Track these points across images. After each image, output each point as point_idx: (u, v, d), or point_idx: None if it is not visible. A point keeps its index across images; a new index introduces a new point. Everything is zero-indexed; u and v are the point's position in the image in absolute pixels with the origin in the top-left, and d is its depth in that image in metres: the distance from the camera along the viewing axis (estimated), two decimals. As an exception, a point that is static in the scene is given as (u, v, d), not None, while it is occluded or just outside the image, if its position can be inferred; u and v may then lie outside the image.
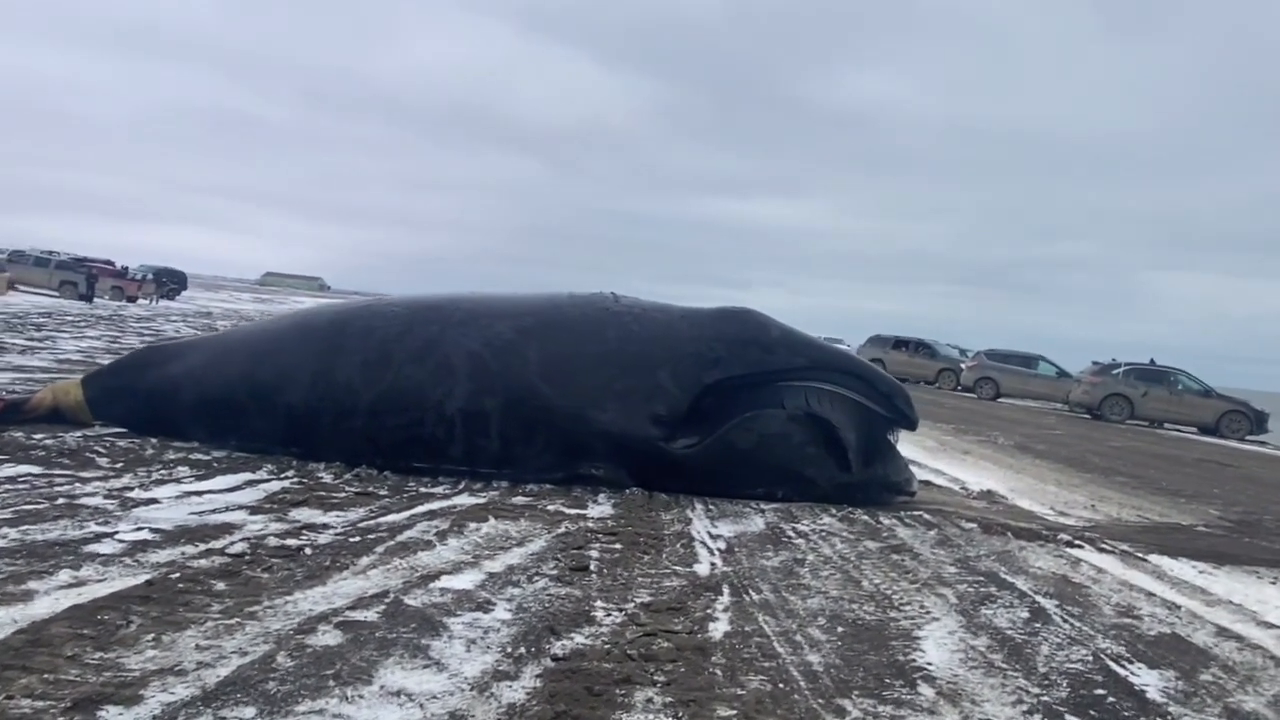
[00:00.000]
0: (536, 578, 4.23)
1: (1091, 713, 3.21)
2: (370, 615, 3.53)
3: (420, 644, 3.28)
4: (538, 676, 3.07)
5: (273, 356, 6.65)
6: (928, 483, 8.55)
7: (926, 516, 6.58)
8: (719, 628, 3.75)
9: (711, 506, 6.36)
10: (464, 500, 5.84)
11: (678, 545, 5.12)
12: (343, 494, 5.71)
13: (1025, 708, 3.19)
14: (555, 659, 3.25)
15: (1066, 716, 3.16)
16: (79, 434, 6.68)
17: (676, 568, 4.62)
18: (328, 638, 3.26)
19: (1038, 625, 4.19)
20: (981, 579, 4.95)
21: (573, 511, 5.78)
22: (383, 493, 5.89)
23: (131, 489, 5.24)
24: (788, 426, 6.65)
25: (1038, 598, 4.67)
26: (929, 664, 3.56)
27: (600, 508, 6.00)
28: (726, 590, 4.30)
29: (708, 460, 6.54)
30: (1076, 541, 6.28)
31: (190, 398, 6.74)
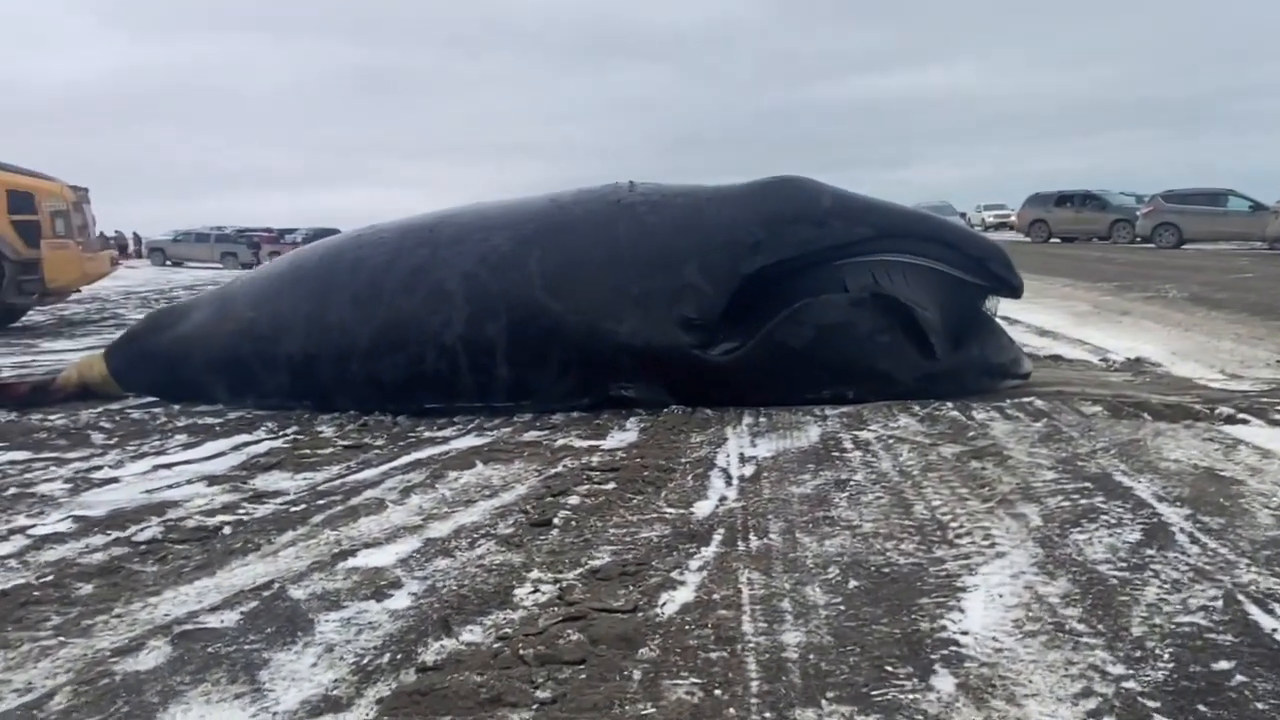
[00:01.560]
0: (481, 541, 3.42)
1: (1202, 710, 2.07)
2: (230, 618, 2.82)
3: (259, 659, 2.53)
4: (376, 704, 2.26)
5: (268, 304, 6.07)
6: (1057, 358, 7.10)
7: (1038, 404, 5.28)
8: (677, 598, 2.81)
9: (762, 419, 5.33)
10: (465, 442, 5.10)
11: (689, 477, 4.16)
12: (330, 449, 5.09)
13: (1091, 707, 2.09)
14: (422, 670, 2.43)
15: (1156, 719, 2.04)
16: (99, 409, 6.41)
17: (668, 510, 3.69)
18: (149, 658, 2.57)
19: (1151, 553, 2.99)
20: (1087, 486, 3.73)
21: (585, 444, 4.92)
22: (379, 443, 5.24)
23: (101, 469, 4.81)
24: (850, 313, 5.46)
25: (1161, 506, 3.42)
26: (963, 633, 2.49)
27: (623, 435, 5.11)
28: (718, 537, 3.33)
29: (754, 365, 5.48)
30: (1241, 415, 4.83)
31: (200, 357, 6.31)
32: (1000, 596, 2.72)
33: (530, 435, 5.19)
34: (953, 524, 3.37)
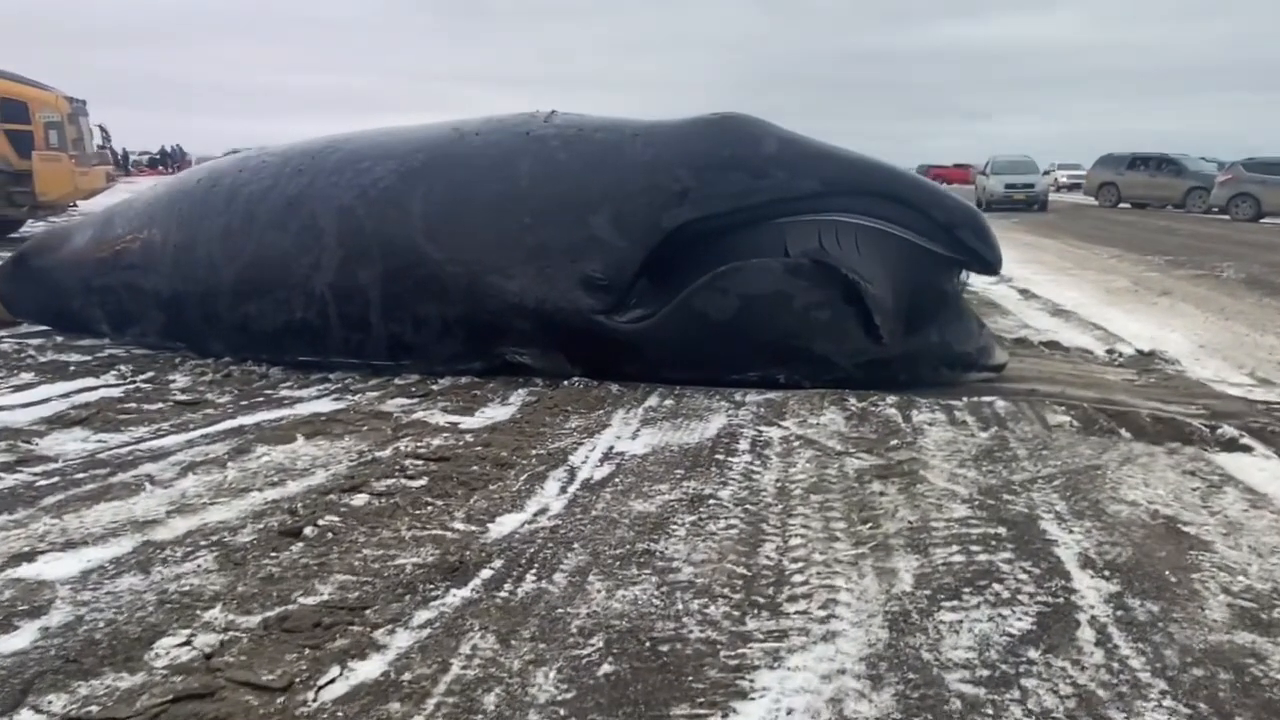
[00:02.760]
0: (200, 553, 2.71)
1: None
2: None
3: None
4: None
5: (143, 229, 5.40)
6: (1053, 345, 6.10)
7: (998, 406, 4.36)
8: (355, 674, 2.07)
9: (669, 401, 4.51)
10: (312, 407, 4.39)
11: (523, 477, 3.39)
12: (161, 405, 4.43)
13: None
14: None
15: None
16: (-25, 339, 5.86)
17: (457, 526, 2.93)
18: None
19: (1033, 659, 2.15)
20: (999, 534, 2.86)
21: (443, 420, 4.17)
22: (222, 399, 4.56)
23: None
24: (785, 282, 4.57)
25: (1081, 577, 2.55)
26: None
27: (496, 411, 4.35)
28: (485, 575, 2.57)
29: (667, 337, 4.65)
30: (1244, 440, 3.87)
31: (76, 285, 5.71)
32: (786, 716, 1.92)
33: (392, 404, 4.46)
34: (796, 577, 2.56)
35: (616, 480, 3.38)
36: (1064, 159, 56.71)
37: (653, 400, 4.54)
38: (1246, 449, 3.79)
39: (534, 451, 3.69)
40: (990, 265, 4.73)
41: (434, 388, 4.78)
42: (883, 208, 4.65)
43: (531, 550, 2.73)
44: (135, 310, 5.43)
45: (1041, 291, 9.09)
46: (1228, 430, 3.99)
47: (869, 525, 2.94)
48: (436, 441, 3.82)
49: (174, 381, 4.91)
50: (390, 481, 3.32)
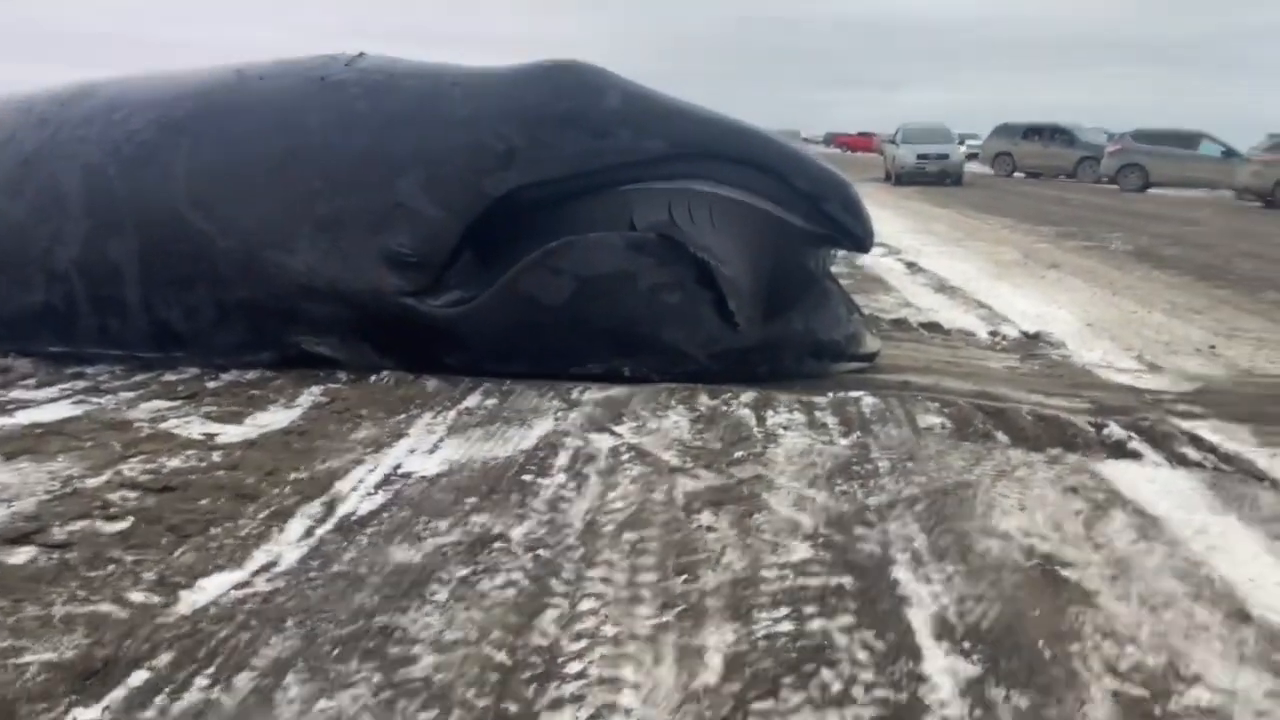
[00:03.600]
0: None
1: None
2: None
3: None
4: None
5: None
6: (933, 327, 5.63)
7: (865, 403, 3.81)
8: None
9: (491, 400, 3.82)
10: (40, 414, 3.54)
11: (261, 514, 2.66)
12: None
13: None
14: None
15: None
16: None
17: (137, 595, 2.19)
18: None
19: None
20: (839, 586, 2.28)
21: (204, 431, 3.39)
22: (-71, 406, 3.68)
23: None
24: (627, 260, 3.92)
25: (934, 653, 1.99)
26: None
27: (273, 417, 3.58)
28: (128, 685, 1.85)
29: (490, 324, 3.96)
30: (1133, 443, 3.42)
31: None
32: None
33: (143, 409, 3.64)
34: (571, 666, 1.93)
35: (386, 515, 2.68)
36: (966, 130, 57.66)
37: (472, 400, 3.85)
38: (1135, 455, 3.33)
39: (293, 475, 2.96)
40: (860, 242, 4.17)
41: (209, 385, 3.97)
42: (740, 175, 4.02)
43: (222, 634, 2.02)
44: None
45: (929, 264, 8.71)
46: (1114, 431, 3.53)
47: (684, 577, 2.33)
48: (174, 462, 3.05)
49: (-123, 380, 3.98)
50: (80, 525, 2.55)
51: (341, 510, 2.72)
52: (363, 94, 4.01)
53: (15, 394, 3.84)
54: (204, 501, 2.74)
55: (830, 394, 3.95)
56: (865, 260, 8.82)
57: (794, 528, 2.62)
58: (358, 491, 2.86)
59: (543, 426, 3.51)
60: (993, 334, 5.49)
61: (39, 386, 3.93)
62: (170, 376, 4.10)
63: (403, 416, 3.60)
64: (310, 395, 3.86)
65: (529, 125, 3.96)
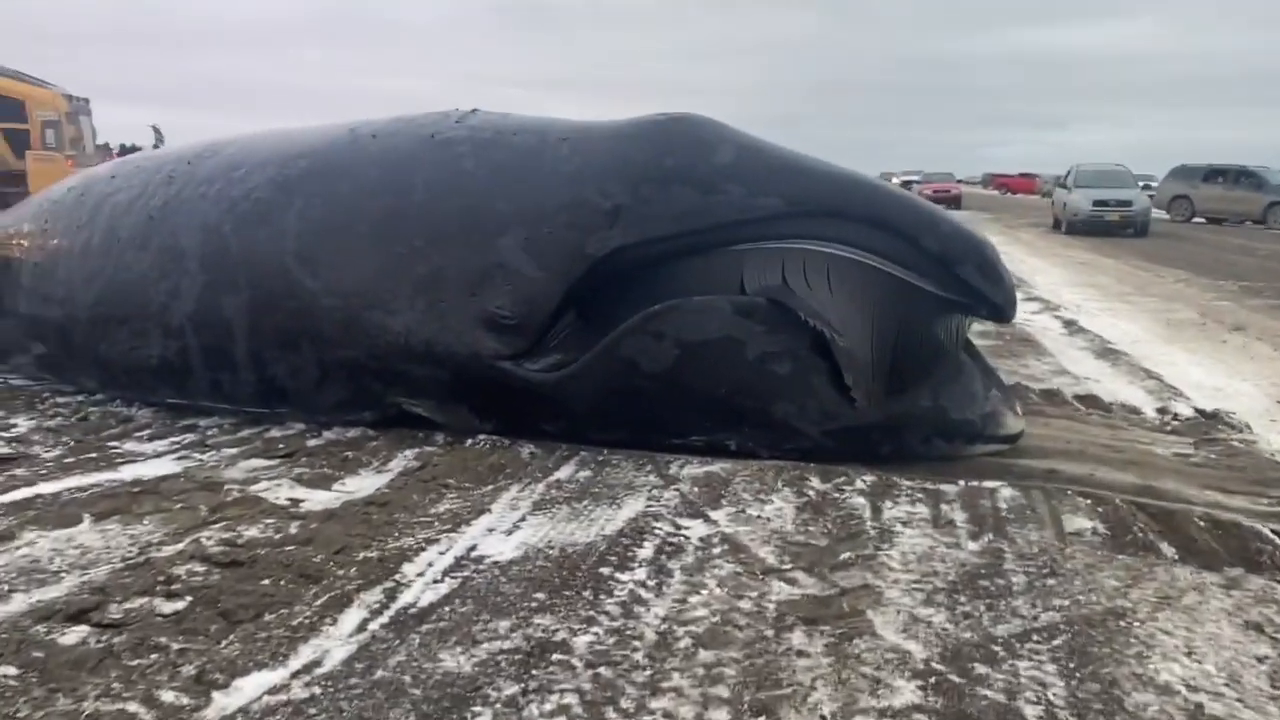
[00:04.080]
0: None
1: None
2: None
3: None
4: None
5: (13, 242, 4.66)
6: (1091, 401, 5.01)
7: (1004, 495, 3.34)
8: None
9: (584, 473, 3.59)
10: (138, 471, 3.57)
11: (320, 600, 2.51)
12: (-35, 461, 3.67)
13: None
14: None
15: None
16: None
17: (167, 695, 2.06)
18: None
19: None
20: (958, 743, 1.90)
21: (291, 496, 3.32)
22: (50, 453, 3.80)
23: None
24: (735, 326, 3.62)
25: None
26: None
27: (362, 482, 3.48)
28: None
29: (589, 390, 3.74)
30: (1338, 568, 2.81)
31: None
32: None
33: (240, 468, 3.62)
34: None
35: (447, 609, 2.48)
36: (1136, 171, 54.11)
37: (565, 471, 3.63)
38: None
39: (363, 555, 2.81)
40: (999, 310, 3.71)
41: (309, 444, 3.94)
42: (863, 235, 3.67)
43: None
44: (6, 337, 4.71)
45: (1090, 323, 7.94)
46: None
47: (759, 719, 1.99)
48: (251, 532, 2.97)
49: (14, 425, 4.16)
50: (139, 603, 2.47)
51: (402, 600, 2.53)
52: (470, 151, 3.93)
53: (129, 446, 3.92)
54: (266, 581, 2.62)
55: (961, 482, 3.50)
56: (1018, 318, 8.17)
57: (902, 660, 2.23)
58: (424, 577, 2.67)
59: (633, 506, 3.25)
60: (1161, 411, 4.82)
61: (151, 439, 4.00)
62: (275, 433, 4.10)
63: (490, 488, 3.42)
64: (403, 459, 3.75)
65: (635, 181, 3.76)
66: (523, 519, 3.13)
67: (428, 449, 3.87)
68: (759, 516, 3.16)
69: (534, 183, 3.82)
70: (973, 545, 2.93)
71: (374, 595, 2.56)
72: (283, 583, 2.62)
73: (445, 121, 4.13)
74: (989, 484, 3.48)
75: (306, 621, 2.40)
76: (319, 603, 2.50)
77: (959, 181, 46.45)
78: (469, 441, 3.94)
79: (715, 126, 3.87)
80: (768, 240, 3.76)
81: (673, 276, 3.84)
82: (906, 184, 50.06)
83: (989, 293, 3.60)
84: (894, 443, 3.71)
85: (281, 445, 3.91)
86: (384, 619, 2.43)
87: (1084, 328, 7.70)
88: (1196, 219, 28.91)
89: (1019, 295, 10.00)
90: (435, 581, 2.65)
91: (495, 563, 2.78)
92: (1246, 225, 26.84)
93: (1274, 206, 26.46)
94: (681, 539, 2.97)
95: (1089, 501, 3.32)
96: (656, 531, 3.03)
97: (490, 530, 3.03)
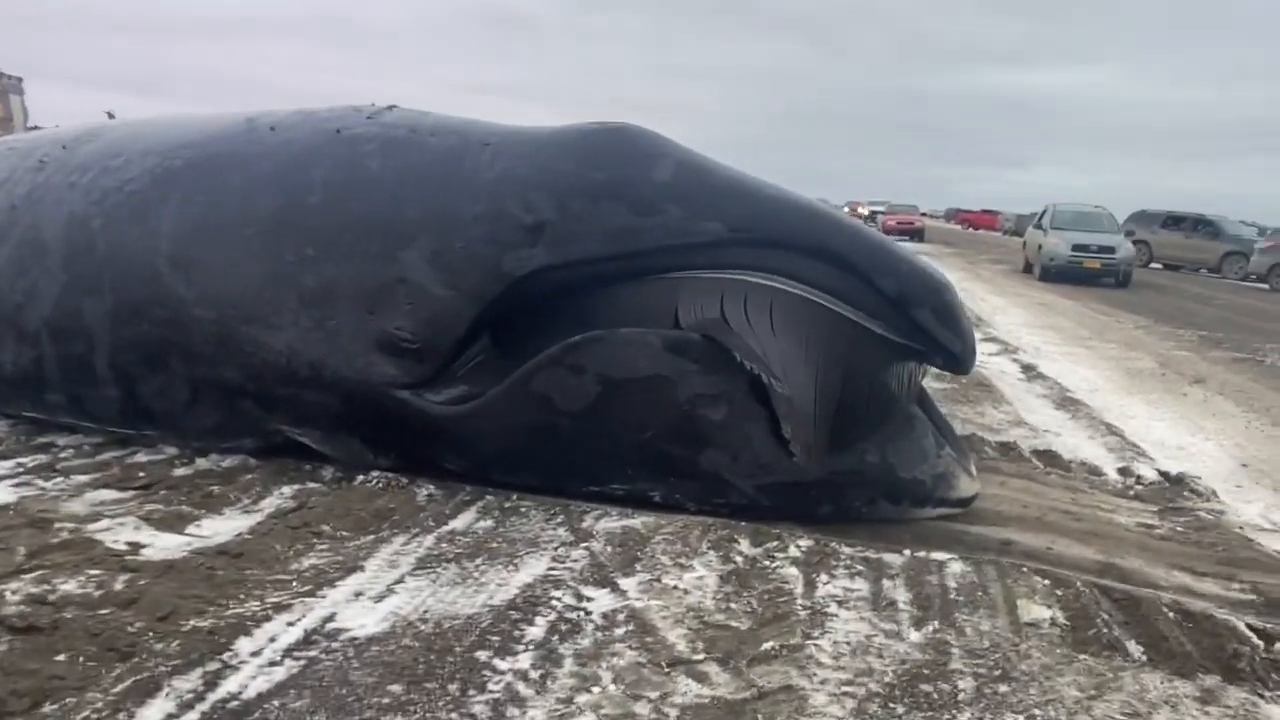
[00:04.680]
0: None
1: None
2: None
3: None
4: None
5: None
6: (1050, 457, 4.66)
7: (953, 570, 2.96)
8: None
9: (482, 524, 3.15)
10: (-36, 500, 3.07)
11: (117, 688, 2.04)
12: None
13: None
14: None
15: None
16: None
17: None
18: None
19: None
20: None
21: (133, 539, 2.83)
22: None
23: None
24: (664, 363, 3.22)
25: None
26: None
27: (224, 524, 3.01)
28: None
29: (494, 428, 3.31)
30: (1324, 679, 2.46)
31: None
32: None
33: (83, 501, 3.12)
34: None
35: (276, 705, 2.02)
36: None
37: (464, 519, 3.19)
38: (1326, 702, 2.39)
39: (192, 622, 2.34)
40: (956, 360, 3.34)
41: (174, 473, 3.45)
42: (812, 269, 3.29)
43: None
44: None
45: (1050, 368, 7.66)
46: (1294, 650, 2.59)
47: None
48: (69, 586, 2.49)
49: None
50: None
51: (223, 688, 2.07)
52: (377, 150, 3.48)
53: (-35, 467, 3.40)
54: (62, 656, 2.14)
55: (907, 552, 3.11)
56: (980, 360, 7.89)
57: (820, 796, 1.82)
58: (259, 658, 2.21)
59: (533, 569, 2.82)
60: (1123, 472, 4.50)
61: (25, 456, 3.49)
62: (141, 457, 3.61)
63: (369, 538, 2.96)
64: (278, 497, 3.28)
65: (562, 195, 3.35)
66: (400, 581, 2.68)
67: (310, 485, 3.40)
68: (676, 587, 2.75)
69: (448, 190, 3.38)
70: (915, 635, 2.54)
71: (190, 681, 2.09)
72: (82, 659, 2.14)
73: (355, 116, 3.68)
74: (938, 556, 3.09)
75: (93, 717, 1.93)
76: (118, 689, 2.03)
77: (923, 214, 46.78)
78: (359, 479, 3.48)
79: (654, 140, 3.48)
80: (707, 269, 3.36)
81: (600, 304, 3.43)
82: (872, 214, 50.43)
83: (946, 340, 3.23)
84: (835, 502, 3.31)
85: (142, 474, 3.42)
86: (193, 716, 1.97)
87: (1043, 373, 7.41)
88: (1154, 264, 29.25)
89: (977, 335, 9.76)
90: (272, 664, 2.19)
91: (352, 639, 2.33)
92: (1202, 274, 27.18)
93: (1230, 256, 26.83)
94: (581, 615, 2.54)
95: (1047, 583, 2.94)
96: (554, 603, 2.60)
97: (357, 595, 2.58)
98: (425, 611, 2.50)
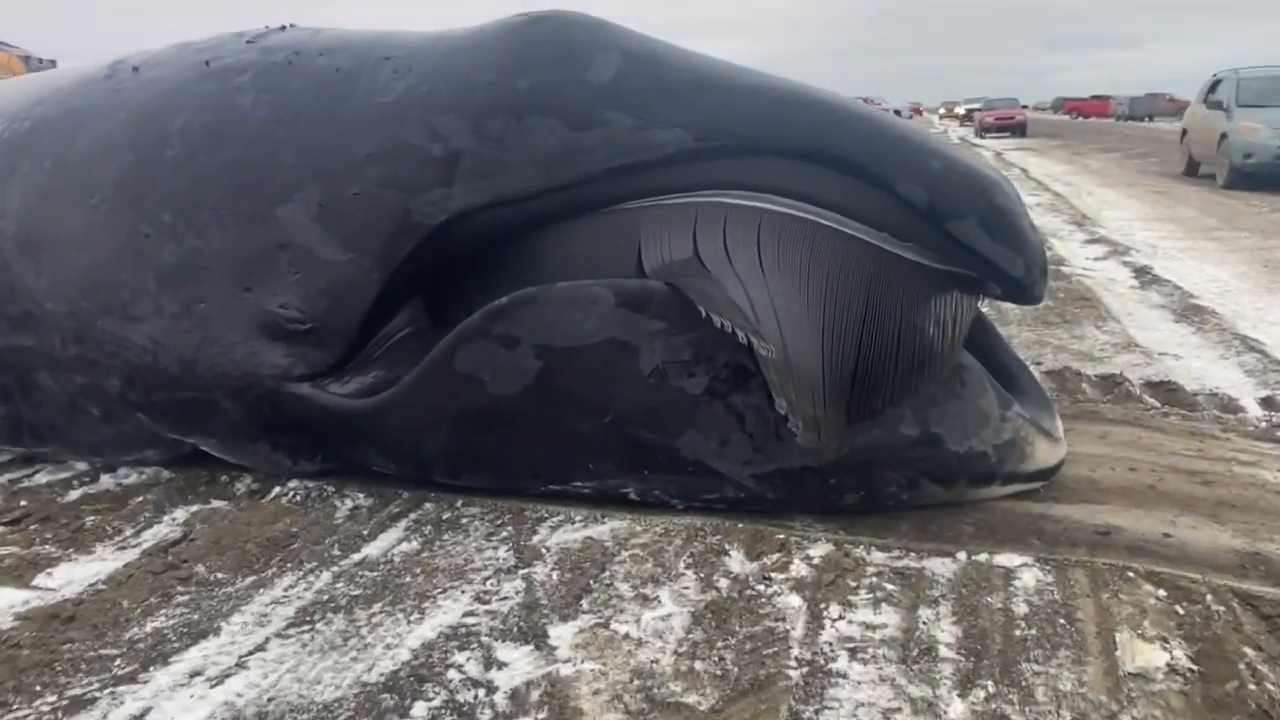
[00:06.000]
0: None
1: None
2: None
3: None
4: None
5: None
6: (1166, 387, 3.66)
7: (1025, 581, 2.13)
8: None
9: (403, 547, 2.47)
10: None
11: None
12: None
13: None
14: None
15: None
16: None
17: None
18: None
19: None
20: None
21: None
22: None
23: None
24: (620, 323, 2.43)
25: None
26: None
27: (82, 569, 2.41)
28: None
29: (414, 419, 2.60)
30: None
31: None
32: None
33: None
34: None
35: None
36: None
37: (384, 541, 2.51)
38: None
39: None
40: (1019, 287, 2.41)
41: (66, 498, 2.88)
42: (812, 180, 2.41)
43: None
44: None
45: (1168, 269, 6.46)
46: None
47: None
48: None
49: None
50: None
51: None
52: (251, 82, 2.75)
53: None
54: None
55: (962, 555, 2.28)
56: (1075, 265, 6.76)
57: None
58: (5, 798, 1.60)
59: (442, 617, 2.12)
60: (1268, 404, 3.48)
61: None
62: (40, 478, 3.05)
63: (248, 581, 2.32)
64: (168, 524, 2.67)
65: (477, 115, 2.56)
66: (260, 648, 2.03)
67: (213, 505, 2.78)
68: (627, 637, 2.01)
69: (335, 124, 2.63)
70: (959, 708, 1.73)
71: None
72: None
73: (233, 44, 2.95)
74: (1004, 560, 2.25)
75: None
76: None
77: (1024, 107, 43.41)
78: (276, 490, 2.85)
79: (593, 29, 2.62)
80: (673, 193, 2.53)
81: (550, 251, 2.66)
82: (968, 113, 47.09)
83: (1002, 261, 2.32)
84: (863, 490, 2.49)
85: (24, 502, 2.86)
86: None
87: (1159, 276, 6.23)
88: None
89: (1079, 237, 8.48)
90: (16, 809, 1.57)
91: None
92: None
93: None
94: (479, 695, 1.84)
95: (1163, 595, 2.08)
96: (449, 677, 1.90)
97: (193, 675, 1.94)
98: (271, 699, 1.84)
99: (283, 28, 3.10)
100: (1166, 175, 14.63)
